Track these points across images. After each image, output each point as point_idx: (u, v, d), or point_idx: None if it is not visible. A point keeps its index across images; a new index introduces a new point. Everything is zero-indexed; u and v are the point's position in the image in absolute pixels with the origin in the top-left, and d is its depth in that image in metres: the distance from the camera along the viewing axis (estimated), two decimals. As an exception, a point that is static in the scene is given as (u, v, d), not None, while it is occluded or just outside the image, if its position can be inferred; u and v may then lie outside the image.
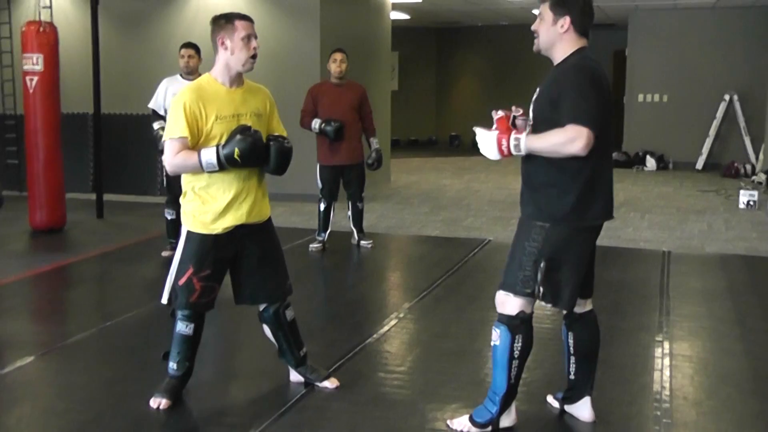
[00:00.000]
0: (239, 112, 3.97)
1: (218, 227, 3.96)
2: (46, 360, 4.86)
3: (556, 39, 3.57)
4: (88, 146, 10.96)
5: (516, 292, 3.59)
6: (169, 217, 7.34)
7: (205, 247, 3.97)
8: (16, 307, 6.10)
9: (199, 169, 3.86)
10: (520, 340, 3.61)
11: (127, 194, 10.99)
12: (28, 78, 8.40)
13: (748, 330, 5.45)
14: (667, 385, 4.42)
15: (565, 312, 3.82)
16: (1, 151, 10.47)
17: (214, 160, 3.83)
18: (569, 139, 3.37)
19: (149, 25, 11.25)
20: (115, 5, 11.08)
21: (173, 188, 7.19)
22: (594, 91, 3.44)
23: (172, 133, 3.87)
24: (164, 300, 4.07)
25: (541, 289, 3.52)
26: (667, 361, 4.79)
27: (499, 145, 3.53)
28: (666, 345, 5.08)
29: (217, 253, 4.00)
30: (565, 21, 3.54)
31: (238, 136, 3.82)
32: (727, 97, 14.41)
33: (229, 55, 3.94)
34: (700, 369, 4.73)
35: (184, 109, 3.85)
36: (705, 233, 8.85)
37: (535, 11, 3.74)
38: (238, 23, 3.93)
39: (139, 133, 11.15)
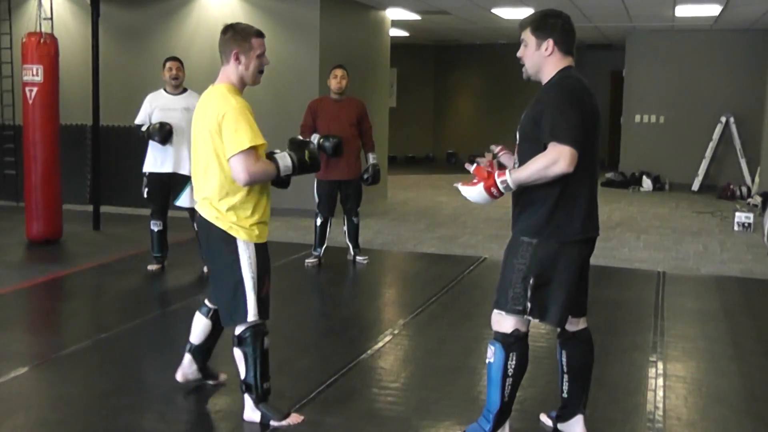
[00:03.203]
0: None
1: (266, 235, 4.06)
2: (40, 371, 4.86)
3: (542, 62, 3.61)
4: (86, 158, 10.98)
5: (507, 310, 3.60)
6: (156, 229, 7.34)
7: (268, 253, 4.06)
8: (11, 317, 6.10)
9: (273, 176, 3.97)
10: (515, 359, 3.62)
11: (124, 206, 11.00)
12: (27, 89, 8.42)
13: (742, 351, 5.47)
14: (660, 405, 4.42)
15: (559, 330, 3.83)
16: (-1, 161, 10.50)
17: (290, 164, 3.99)
18: (552, 161, 3.38)
19: (149, 38, 11.29)
20: (115, 17, 11.13)
21: (157, 199, 7.22)
22: (574, 108, 3.46)
23: (250, 142, 3.80)
24: (252, 317, 3.95)
25: (529, 304, 3.54)
26: (660, 381, 4.80)
27: (490, 194, 3.54)
28: (660, 365, 5.09)
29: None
30: (549, 44, 3.58)
31: (298, 143, 4.10)
32: (723, 119, 14.48)
33: (243, 70, 3.97)
34: (694, 389, 4.74)
35: (251, 116, 3.88)
36: (700, 254, 8.87)
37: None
38: (255, 41, 3.97)
39: (137, 146, 11.16)
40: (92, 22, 9.39)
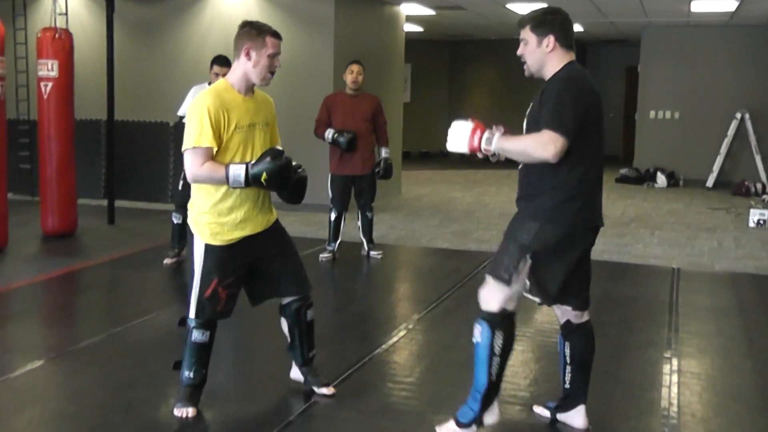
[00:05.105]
0: (254, 122, 3.95)
1: (234, 237, 3.96)
2: (56, 364, 4.89)
3: (545, 59, 3.63)
4: (101, 152, 11.05)
5: (494, 276, 3.63)
6: (176, 221, 7.33)
7: (226, 257, 3.97)
8: (27, 311, 6.14)
9: (224, 183, 3.83)
10: (501, 337, 3.62)
11: (138, 201, 11.06)
12: (42, 84, 8.46)
13: (756, 348, 5.45)
14: (674, 401, 4.41)
15: (562, 323, 3.86)
16: (15, 156, 10.51)
17: (242, 178, 3.78)
18: (541, 144, 3.42)
19: (164, 33, 11.33)
20: (130, 13, 11.18)
21: (187, 195, 7.19)
22: (575, 101, 3.48)
23: (197, 142, 3.78)
24: (192, 315, 4.02)
25: (528, 282, 3.59)
26: (675, 377, 4.79)
27: (472, 135, 3.58)
28: (674, 361, 5.08)
29: (238, 259, 4.01)
30: (549, 40, 3.60)
31: (268, 159, 3.81)
32: (738, 115, 14.41)
33: (251, 67, 3.90)
34: (708, 386, 4.73)
35: (209, 116, 3.77)
36: (715, 251, 8.84)
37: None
38: (269, 40, 3.89)
39: (151, 141, 11.25)
40: (107, 17, 9.42)
